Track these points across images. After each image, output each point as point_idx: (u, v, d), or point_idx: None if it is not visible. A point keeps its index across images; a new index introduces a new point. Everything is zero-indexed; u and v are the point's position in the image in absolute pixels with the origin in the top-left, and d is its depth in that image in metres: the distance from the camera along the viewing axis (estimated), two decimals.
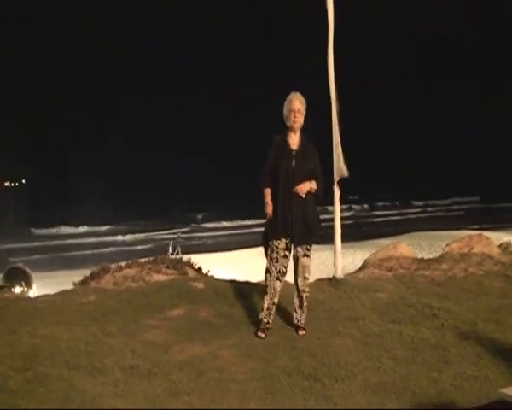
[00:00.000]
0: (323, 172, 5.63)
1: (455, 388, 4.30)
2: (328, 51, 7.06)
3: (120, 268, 7.27)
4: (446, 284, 7.36)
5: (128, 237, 40.45)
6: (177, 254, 27.13)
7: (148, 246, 33.31)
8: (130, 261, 7.60)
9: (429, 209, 54.54)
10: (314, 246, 5.59)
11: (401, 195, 60.09)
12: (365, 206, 57.68)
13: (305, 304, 5.54)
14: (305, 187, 5.31)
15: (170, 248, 27.98)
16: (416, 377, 4.48)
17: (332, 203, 7.08)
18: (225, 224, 47.40)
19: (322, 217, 5.61)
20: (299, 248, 5.41)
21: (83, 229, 44.72)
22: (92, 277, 7.17)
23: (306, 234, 5.37)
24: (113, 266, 7.46)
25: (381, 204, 58.81)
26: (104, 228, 44.94)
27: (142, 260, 7.78)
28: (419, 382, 4.38)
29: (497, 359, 4.78)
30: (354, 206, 55.23)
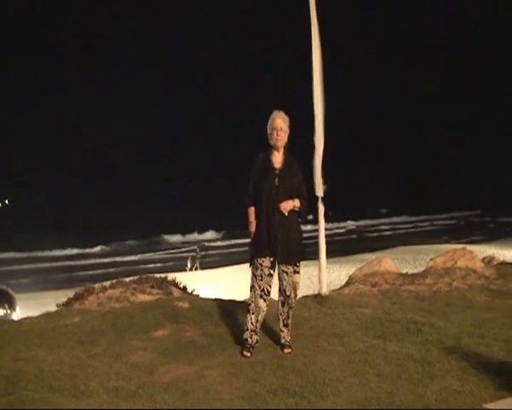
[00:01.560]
0: (307, 190, 5.66)
1: (440, 403, 4.30)
2: (313, 60, 7.14)
3: (104, 289, 7.22)
4: (431, 298, 7.40)
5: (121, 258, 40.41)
6: (196, 269, 27.15)
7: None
8: (114, 281, 7.54)
9: (421, 224, 54.80)
10: (302, 262, 5.60)
11: (397, 209, 60.52)
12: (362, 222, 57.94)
13: (290, 321, 5.54)
14: (288, 205, 5.32)
15: (188, 264, 28.08)
16: (402, 392, 4.48)
17: (317, 220, 7.14)
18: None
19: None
20: (284, 266, 5.41)
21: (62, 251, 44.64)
22: (76, 298, 7.12)
23: (291, 252, 5.37)
24: (97, 286, 7.41)
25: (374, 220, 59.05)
26: (95, 249, 44.95)
27: (127, 279, 7.73)
28: (404, 398, 4.38)
29: (482, 373, 4.80)
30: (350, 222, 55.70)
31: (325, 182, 7.08)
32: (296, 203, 5.38)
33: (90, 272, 32.15)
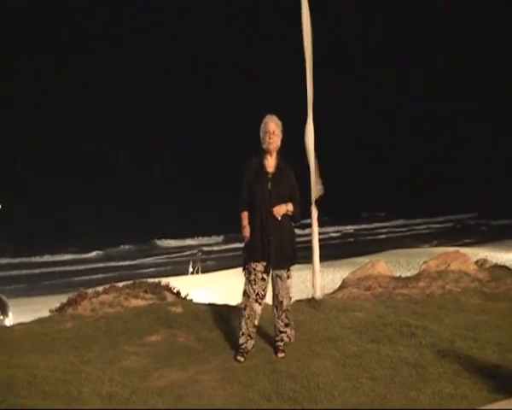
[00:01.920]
0: (301, 194, 5.66)
1: (433, 407, 4.31)
2: (306, 55, 7.14)
3: (97, 294, 7.19)
4: (424, 301, 7.42)
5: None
6: (197, 272, 27.24)
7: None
8: (107, 286, 7.52)
9: (417, 228, 54.82)
10: (294, 265, 5.60)
11: (395, 212, 60.68)
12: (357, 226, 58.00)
13: (290, 322, 5.57)
14: (282, 209, 5.33)
15: (190, 267, 28.14)
16: (395, 396, 4.49)
17: (310, 224, 7.14)
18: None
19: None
20: (277, 271, 5.41)
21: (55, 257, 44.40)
22: (69, 303, 7.08)
23: (284, 257, 5.37)
24: (90, 291, 7.38)
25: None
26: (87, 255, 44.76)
27: (120, 284, 7.71)
28: (398, 401, 4.39)
29: (475, 376, 4.81)
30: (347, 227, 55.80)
31: (322, 183, 7.09)
32: (289, 207, 5.38)
33: (85, 277, 32.00)
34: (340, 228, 54.13)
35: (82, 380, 4.74)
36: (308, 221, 7.03)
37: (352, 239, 48.06)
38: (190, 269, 27.82)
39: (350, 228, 55.81)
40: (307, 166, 7.11)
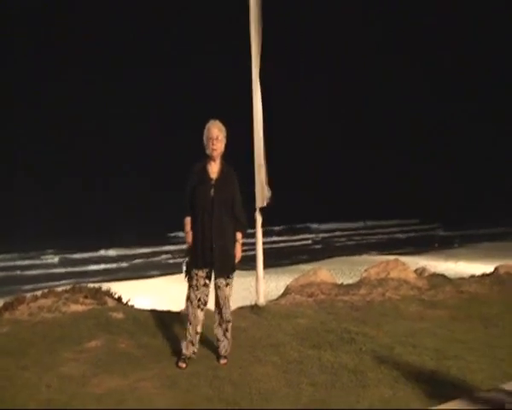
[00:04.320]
0: (248, 200, 5.66)
1: None
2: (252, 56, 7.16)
3: (36, 298, 7.00)
4: (364, 308, 7.54)
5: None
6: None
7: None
8: (46, 291, 7.33)
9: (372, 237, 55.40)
10: (238, 272, 5.58)
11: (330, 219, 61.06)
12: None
13: (229, 334, 5.52)
14: (238, 253, 5.45)
15: (184, 267, 28.05)
16: (335, 402, 4.53)
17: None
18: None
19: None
20: (217, 280, 5.39)
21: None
22: (6, 307, 6.87)
23: (227, 264, 5.35)
24: (28, 295, 7.18)
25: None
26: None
27: (59, 289, 7.53)
28: (338, 407, 4.43)
29: (413, 382, 4.91)
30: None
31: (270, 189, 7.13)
32: (239, 239, 5.49)
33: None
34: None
35: (18, 386, 4.62)
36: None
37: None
38: (184, 268, 27.99)
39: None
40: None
